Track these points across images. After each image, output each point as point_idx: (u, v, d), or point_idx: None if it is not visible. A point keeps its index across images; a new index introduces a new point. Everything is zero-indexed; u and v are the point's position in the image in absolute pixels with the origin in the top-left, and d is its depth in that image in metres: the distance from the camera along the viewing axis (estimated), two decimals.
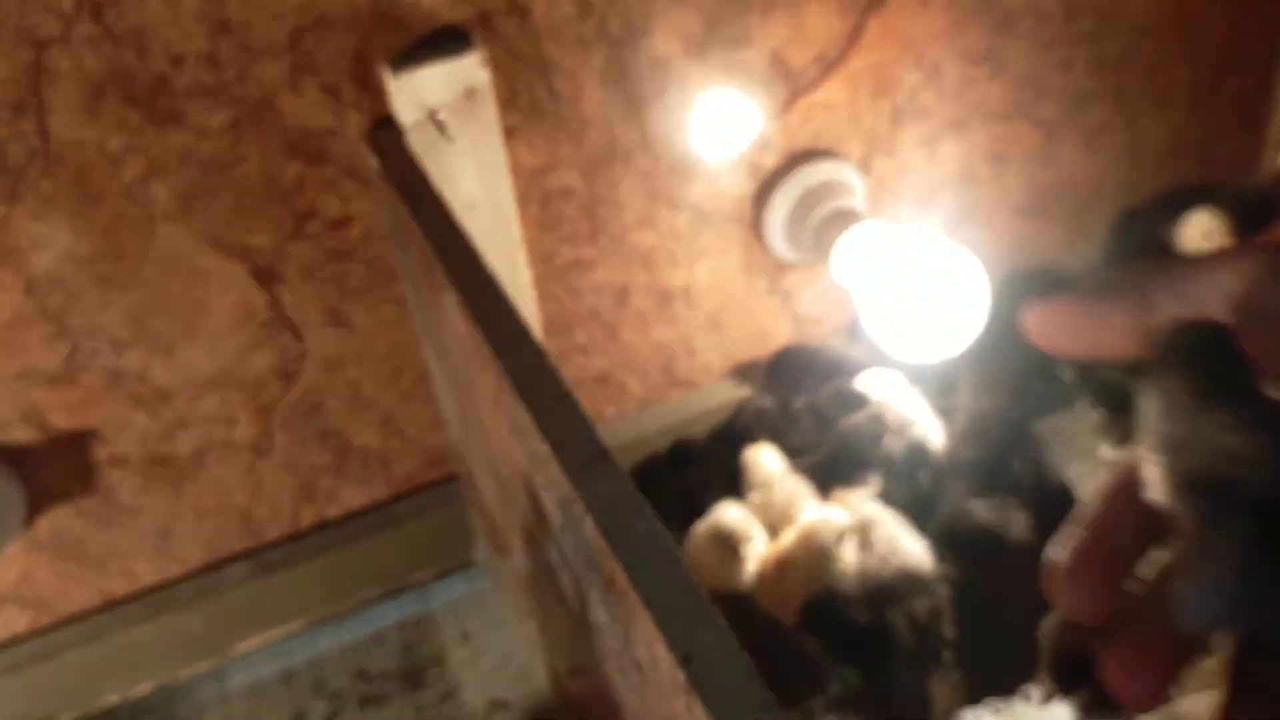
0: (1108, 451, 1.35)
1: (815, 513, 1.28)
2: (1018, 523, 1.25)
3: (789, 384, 1.49)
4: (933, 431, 1.40)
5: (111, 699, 1.39)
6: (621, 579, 0.67)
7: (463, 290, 0.91)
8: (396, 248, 1.20)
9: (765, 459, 1.36)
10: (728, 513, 1.27)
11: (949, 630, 1.22)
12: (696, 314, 1.45)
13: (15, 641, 1.33)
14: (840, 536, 1.23)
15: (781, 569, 1.25)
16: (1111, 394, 1.41)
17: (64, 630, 1.34)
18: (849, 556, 1.24)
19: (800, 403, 1.45)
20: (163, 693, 1.41)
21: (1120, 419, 1.36)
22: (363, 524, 1.43)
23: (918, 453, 1.35)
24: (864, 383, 1.45)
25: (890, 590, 1.21)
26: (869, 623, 1.19)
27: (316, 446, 1.34)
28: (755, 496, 1.34)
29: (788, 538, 1.27)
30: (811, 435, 1.41)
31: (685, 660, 0.59)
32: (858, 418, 1.39)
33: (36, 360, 1.16)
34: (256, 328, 1.22)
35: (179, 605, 1.37)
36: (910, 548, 1.25)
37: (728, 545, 1.24)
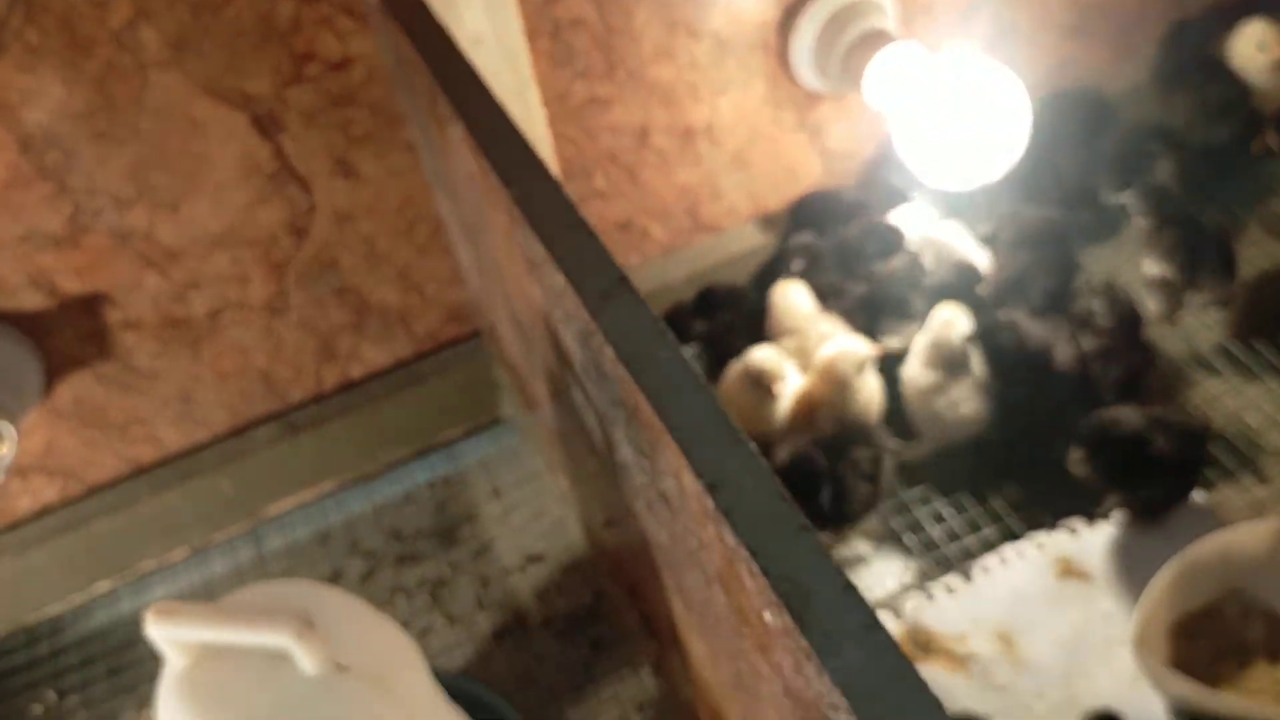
0: (1152, 268, 1.29)
1: (836, 344, 1.23)
2: (1065, 349, 1.20)
3: (812, 229, 1.43)
4: (977, 255, 1.34)
5: (148, 564, 1.39)
6: (645, 409, 0.63)
7: (468, 120, 0.86)
8: (401, 89, 1.14)
9: (795, 298, 1.30)
10: (759, 352, 1.23)
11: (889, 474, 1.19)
12: (720, 153, 1.39)
13: (47, 511, 1.33)
14: (860, 366, 1.19)
15: (810, 405, 1.21)
16: (1161, 203, 1.33)
17: (94, 499, 1.33)
18: (870, 386, 1.20)
19: (827, 244, 1.39)
20: (199, 556, 1.41)
21: (1167, 231, 1.29)
22: (387, 383, 1.40)
23: (967, 273, 1.29)
24: (898, 218, 1.39)
25: (838, 443, 1.18)
26: (824, 472, 1.16)
27: (334, 304, 1.30)
28: (789, 341, 1.30)
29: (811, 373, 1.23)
30: (839, 275, 1.35)
31: (712, 487, 0.56)
32: (897, 260, 1.33)
33: (39, 222, 1.12)
34: (262, 181, 1.18)
35: (207, 470, 1.36)
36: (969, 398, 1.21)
37: (760, 384, 1.20)
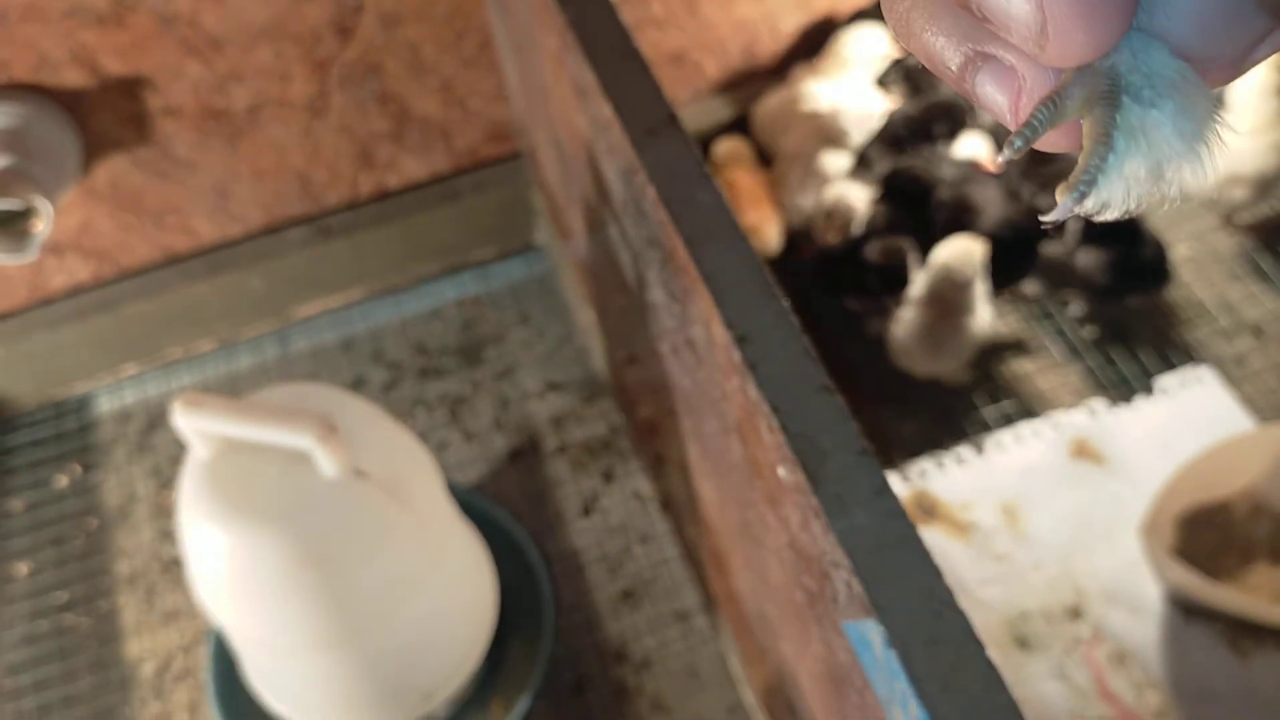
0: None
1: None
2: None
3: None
4: None
5: (175, 352, 1.41)
6: (682, 253, 0.63)
7: None
8: None
9: (832, 161, 1.27)
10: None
11: None
12: None
13: (79, 290, 1.34)
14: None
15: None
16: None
17: (126, 282, 1.34)
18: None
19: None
20: (225, 350, 1.43)
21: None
22: (423, 196, 1.39)
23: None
24: None
25: None
26: None
27: (375, 110, 1.28)
28: (809, 197, 1.29)
29: None
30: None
31: (741, 339, 0.55)
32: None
33: None
34: None
35: (239, 265, 1.36)
36: None
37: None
